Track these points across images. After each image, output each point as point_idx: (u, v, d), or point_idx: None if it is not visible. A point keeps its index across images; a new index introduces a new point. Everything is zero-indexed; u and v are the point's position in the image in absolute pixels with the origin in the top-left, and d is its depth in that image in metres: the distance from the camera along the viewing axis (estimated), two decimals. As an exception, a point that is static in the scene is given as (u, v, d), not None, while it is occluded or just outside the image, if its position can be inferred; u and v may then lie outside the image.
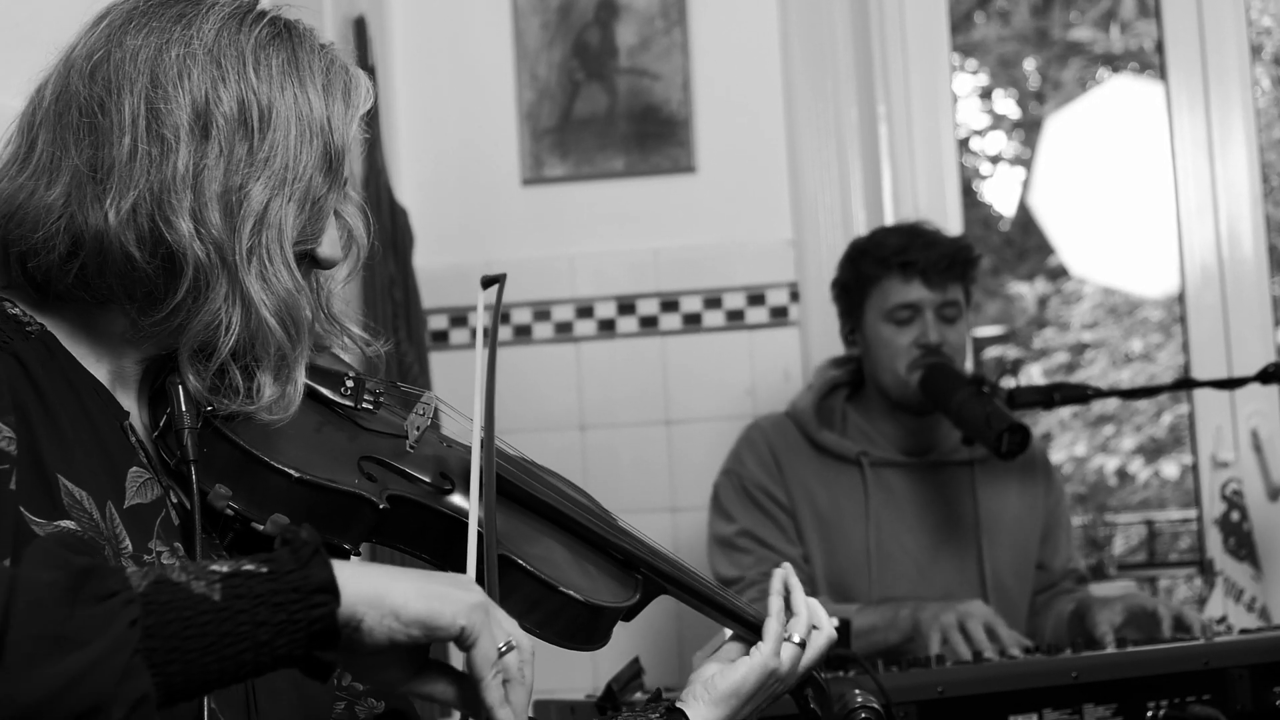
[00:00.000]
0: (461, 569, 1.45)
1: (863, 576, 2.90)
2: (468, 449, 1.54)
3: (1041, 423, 8.13)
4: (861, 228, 3.52)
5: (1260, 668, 2.28)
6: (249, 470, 1.42)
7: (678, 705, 1.67)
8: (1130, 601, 2.78)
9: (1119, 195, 7.82)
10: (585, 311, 3.57)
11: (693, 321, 3.55)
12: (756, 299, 3.53)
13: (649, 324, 3.56)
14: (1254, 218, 3.68)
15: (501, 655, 1.26)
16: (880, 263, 2.97)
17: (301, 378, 1.47)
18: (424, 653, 1.28)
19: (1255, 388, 3.20)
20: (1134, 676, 2.23)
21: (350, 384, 1.56)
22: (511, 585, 1.48)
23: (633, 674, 2.13)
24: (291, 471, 1.42)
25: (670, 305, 3.56)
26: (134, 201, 1.38)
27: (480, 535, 1.43)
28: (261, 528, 1.41)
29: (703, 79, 3.58)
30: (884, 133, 3.68)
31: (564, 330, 3.56)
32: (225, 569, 1.15)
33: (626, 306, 3.56)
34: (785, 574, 1.77)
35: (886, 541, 2.93)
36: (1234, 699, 2.25)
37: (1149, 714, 2.22)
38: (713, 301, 3.54)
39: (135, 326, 1.44)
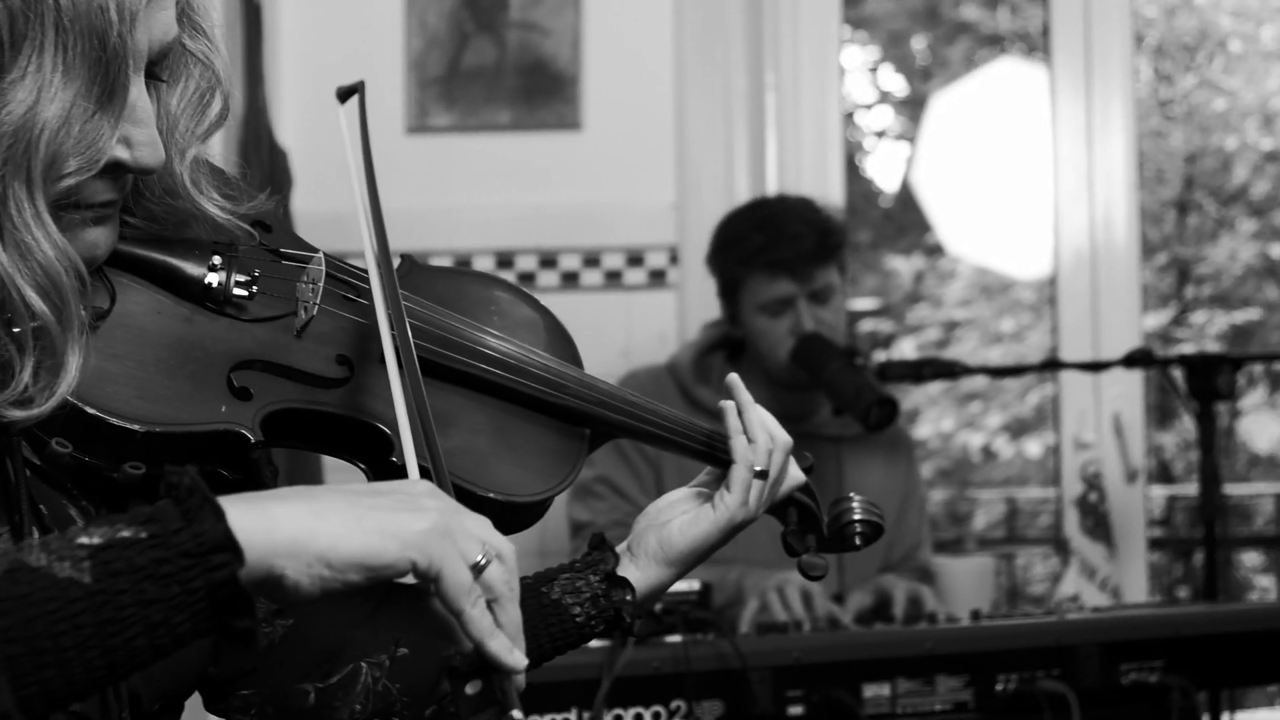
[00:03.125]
0: (370, 465, 1.30)
1: None
2: (367, 309, 1.32)
3: (911, 397, 8.24)
4: (744, 195, 3.53)
5: (1109, 645, 2.34)
6: (86, 425, 1.16)
7: (621, 569, 1.50)
8: (880, 583, 2.82)
9: (999, 176, 7.93)
10: (463, 264, 3.55)
11: (571, 280, 3.54)
12: (636, 260, 3.53)
13: (527, 280, 3.54)
14: (1128, 205, 3.74)
15: (480, 573, 1.04)
16: (744, 262, 2.93)
17: (74, 364, 1.12)
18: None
19: (1119, 372, 3.26)
20: (986, 650, 2.27)
21: (219, 259, 1.27)
22: None
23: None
24: (136, 428, 1.16)
25: (549, 262, 3.54)
26: None
27: (414, 405, 1.18)
28: (115, 476, 1.18)
29: (593, 37, 3.56)
30: (771, 102, 3.69)
31: (441, 282, 3.53)
32: (97, 540, 0.93)
33: (505, 261, 3.54)
34: (735, 384, 1.56)
35: None
36: (1082, 675, 2.30)
37: (999, 687, 2.26)
38: (592, 261, 3.53)
39: None
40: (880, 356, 2.99)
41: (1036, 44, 8.16)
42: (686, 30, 3.56)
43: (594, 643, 2.11)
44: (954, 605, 2.85)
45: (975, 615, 2.41)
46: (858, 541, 1.60)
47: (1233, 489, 7.84)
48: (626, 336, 3.52)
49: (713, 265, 3.05)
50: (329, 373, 1.28)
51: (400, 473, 1.25)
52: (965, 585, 3.05)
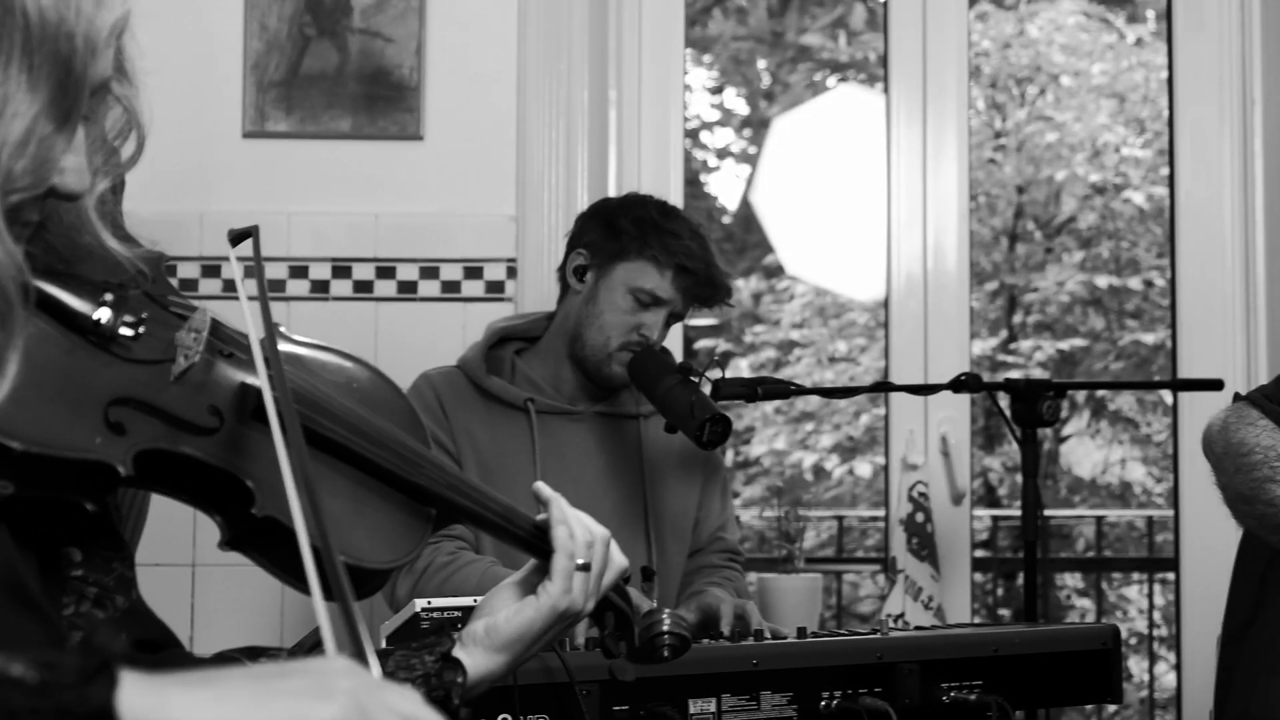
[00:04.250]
0: (226, 518, 1.35)
1: None
2: (244, 364, 1.38)
3: (746, 416, 8.32)
4: (584, 210, 3.54)
5: (930, 664, 2.37)
6: None
7: (454, 653, 1.55)
8: (703, 600, 2.85)
9: (837, 200, 8.05)
10: (299, 271, 3.51)
11: (408, 290, 3.52)
12: (474, 272, 3.52)
13: (363, 289, 3.51)
14: (960, 232, 3.81)
15: None
16: (667, 252, 2.92)
17: (12, 369, 1.16)
18: None
19: (947, 395, 3.32)
20: (811, 667, 2.29)
21: (111, 297, 1.29)
22: (275, 541, 1.35)
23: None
24: (15, 445, 1.17)
25: (386, 272, 3.52)
26: None
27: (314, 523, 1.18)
28: None
29: (436, 47, 3.55)
30: (614, 118, 3.71)
31: (276, 288, 3.48)
32: None
33: (342, 269, 3.51)
34: (547, 490, 1.65)
35: (554, 489, 2.93)
36: (903, 693, 2.33)
37: (822, 704, 2.29)
38: (430, 271, 3.52)
39: None
40: (715, 374, 3.00)
41: (875, 73, 8.30)
42: (529, 44, 3.57)
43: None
44: (782, 622, 2.88)
45: (801, 632, 2.44)
46: (665, 654, 1.70)
47: (1055, 513, 8.04)
48: (462, 348, 3.50)
49: (616, 222, 2.98)
50: (200, 420, 1.32)
51: (260, 526, 1.33)
52: (793, 603, 3.08)
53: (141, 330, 1.30)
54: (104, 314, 1.27)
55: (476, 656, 1.56)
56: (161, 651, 1.45)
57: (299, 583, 1.36)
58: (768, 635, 2.47)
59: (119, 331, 1.28)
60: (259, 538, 1.36)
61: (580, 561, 1.60)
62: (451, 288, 3.52)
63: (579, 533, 1.61)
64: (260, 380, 1.29)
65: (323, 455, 1.43)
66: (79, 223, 1.27)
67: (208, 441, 1.32)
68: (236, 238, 1.42)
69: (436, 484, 1.51)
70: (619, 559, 1.67)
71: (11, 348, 1.14)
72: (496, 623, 1.57)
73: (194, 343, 1.32)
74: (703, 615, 2.81)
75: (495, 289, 3.52)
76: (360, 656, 1.03)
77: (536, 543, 1.63)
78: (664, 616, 1.70)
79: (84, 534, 1.34)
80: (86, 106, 1.23)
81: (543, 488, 1.65)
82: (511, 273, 3.52)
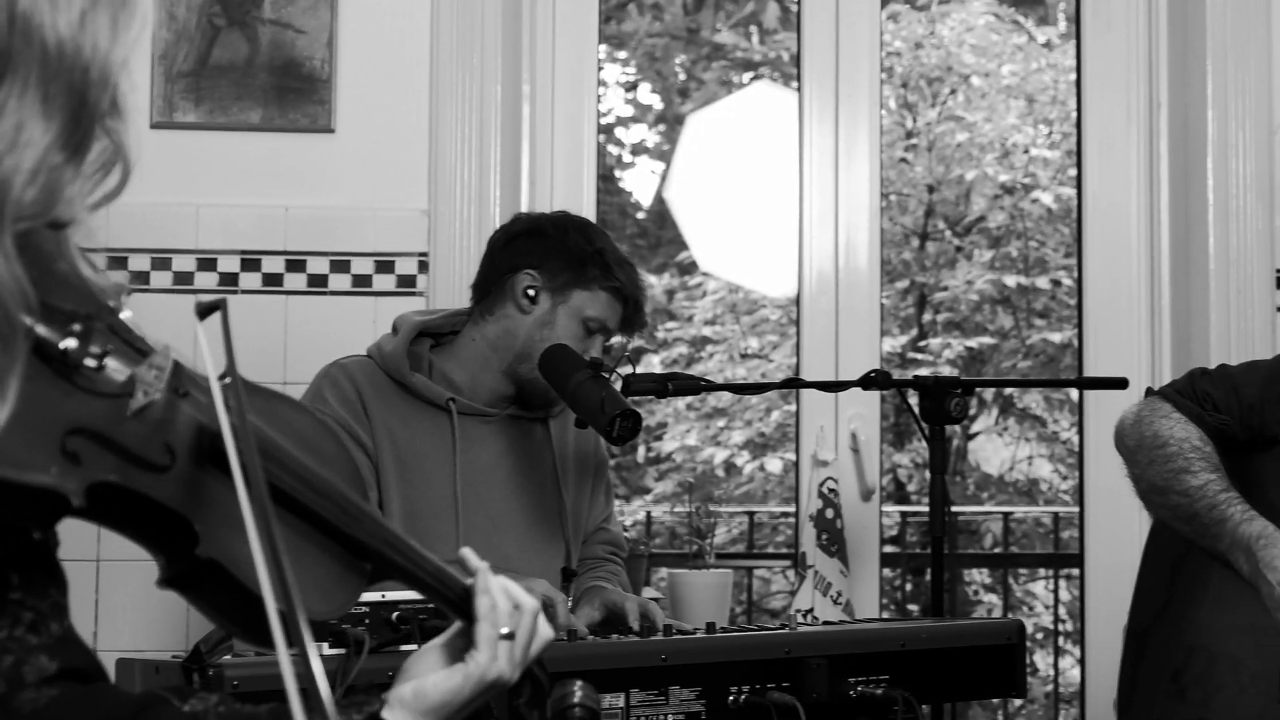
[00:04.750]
0: (169, 557, 1.36)
1: (445, 523, 2.88)
2: (204, 407, 1.38)
3: (658, 412, 8.33)
4: (497, 205, 3.53)
5: (837, 658, 2.40)
6: None
7: (383, 714, 1.55)
8: (607, 598, 2.86)
9: (750, 197, 8.08)
10: (208, 264, 3.47)
11: (318, 283, 3.49)
12: (385, 266, 3.50)
13: (273, 282, 3.48)
14: (871, 230, 3.84)
15: None
16: (631, 285, 2.96)
17: (13, 390, 1.17)
18: None
19: (857, 392, 3.34)
20: (719, 661, 2.31)
21: (79, 327, 1.29)
22: (214, 584, 1.37)
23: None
24: None
25: (296, 265, 3.49)
26: None
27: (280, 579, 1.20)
28: None
29: (348, 39, 3.52)
30: (527, 112, 3.70)
31: (184, 281, 3.45)
32: None
33: (251, 262, 3.48)
34: (474, 558, 1.64)
35: (470, 490, 2.93)
36: (810, 687, 2.35)
37: (730, 699, 2.30)
38: (340, 265, 3.49)
39: None
40: (625, 370, 3.00)
41: (788, 72, 8.35)
42: (443, 37, 3.55)
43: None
44: (692, 618, 2.89)
45: (709, 627, 2.45)
46: None
47: (963, 509, 8.12)
48: (374, 341, 3.49)
49: (572, 245, 2.97)
50: (154, 458, 1.32)
51: (201, 568, 1.34)
52: (704, 598, 3.10)
53: (105, 363, 1.30)
54: (70, 343, 1.27)
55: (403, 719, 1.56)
56: (90, 683, 1.45)
57: (234, 627, 1.41)
58: (674, 631, 2.48)
59: (83, 362, 1.28)
60: (198, 579, 1.36)
61: (504, 631, 1.59)
62: (363, 281, 3.50)
63: (501, 602, 1.60)
64: (224, 428, 1.29)
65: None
66: (57, 250, 1.28)
67: (159, 479, 1.33)
68: (204, 311, 1.40)
69: (374, 539, 1.51)
70: (545, 630, 1.66)
71: (12, 373, 1.15)
72: (425, 688, 1.57)
73: (155, 380, 1.32)
74: (608, 613, 2.81)
75: (407, 283, 3.50)
76: (319, 706, 1.08)
77: (464, 608, 1.62)
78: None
79: (25, 560, 1.35)
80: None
81: (469, 555, 1.63)
82: (423, 267, 3.50)
